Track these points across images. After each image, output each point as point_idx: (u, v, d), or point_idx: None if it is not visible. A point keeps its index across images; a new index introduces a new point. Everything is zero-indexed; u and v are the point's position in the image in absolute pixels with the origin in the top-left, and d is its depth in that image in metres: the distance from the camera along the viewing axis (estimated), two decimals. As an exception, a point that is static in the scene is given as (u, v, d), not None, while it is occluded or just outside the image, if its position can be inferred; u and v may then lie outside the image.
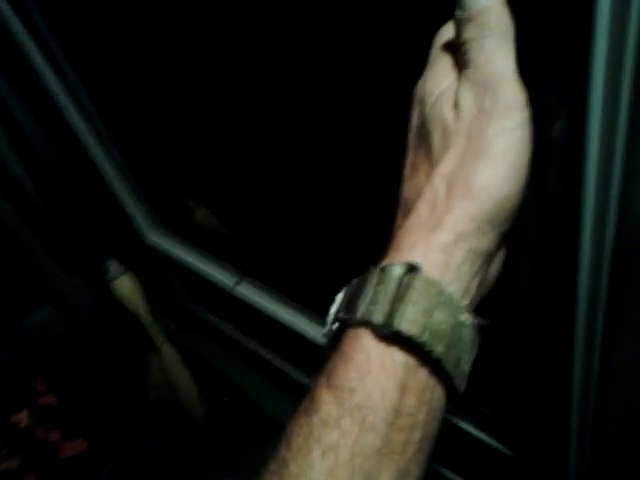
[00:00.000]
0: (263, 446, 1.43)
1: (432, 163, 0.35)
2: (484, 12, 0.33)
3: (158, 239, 1.37)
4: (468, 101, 0.34)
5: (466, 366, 0.33)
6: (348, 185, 0.99)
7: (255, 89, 0.92)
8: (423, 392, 0.32)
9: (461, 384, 0.33)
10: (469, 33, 0.34)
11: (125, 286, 1.39)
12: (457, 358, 0.32)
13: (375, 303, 0.32)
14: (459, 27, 0.35)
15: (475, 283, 0.34)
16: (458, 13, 0.34)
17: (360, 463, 0.30)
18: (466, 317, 0.32)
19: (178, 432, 1.51)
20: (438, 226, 0.33)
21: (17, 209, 1.41)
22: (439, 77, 0.37)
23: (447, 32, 0.38)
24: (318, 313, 1.18)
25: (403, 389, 0.31)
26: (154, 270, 1.42)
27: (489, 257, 0.34)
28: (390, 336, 0.31)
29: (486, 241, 0.33)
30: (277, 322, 1.22)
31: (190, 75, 1.00)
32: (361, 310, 0.33)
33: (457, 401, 0.34)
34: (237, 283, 1.22)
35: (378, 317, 0.32)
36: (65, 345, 1.65)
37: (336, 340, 0.34)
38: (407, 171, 0.38)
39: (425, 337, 0.31)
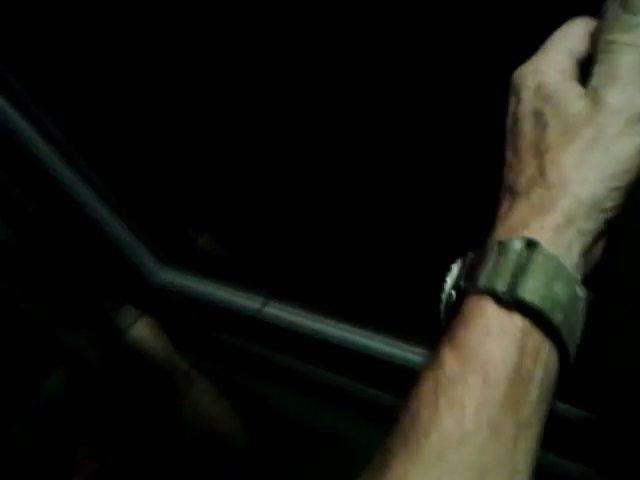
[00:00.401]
0: (312, 459, 1.40)
1: (544, 149, 0.38)
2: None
3: (168, 276, 1.32)
4: (610, 98, 0.36)
5: (578, 335, 0.36)
6: (358, 185, 0.96)
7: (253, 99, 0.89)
8: (540, 354, 0.35)
9: (574, 352, 0.36)
10: (628, 37, 0.36)
11: (144, 331, 1.34)
12: (572, 327, 0.36)
13: (497, 273, 0.36)
14: (615, 27, 0.37)
15: (582, 261, 0.37)
16: (623, 16, 0.36)
17: (485, 413, 0.33)
18: (581, 290, 0.36)
19: (223, 464, 1.48)
20: (551, 209, 0.36)
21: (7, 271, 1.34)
22: (557, 65, 0.39)
23: (574, 30, 0.40)
24: (352, 318, 1.15)
25: (522, 349, 0.34)
26: (170, 308, 1.37)
27: (595, 238, 0.37)
28: (511, 303, 0.35)
29: (593, 224, 0.37)
30: (311, 335, 1.19)
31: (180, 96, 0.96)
32: (483, 279, 0.36)
33: (568, 369, 0.37)
34: (264, 305, 1.18)
35: (501, 286, 0.35)
36: (86, 403, 1.59)
37: (455, 306, 0.38)
38: (510, 156, 0.40)
39: (546, 306, 0.34)
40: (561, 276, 0.35)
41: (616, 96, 0.36)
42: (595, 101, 0.37)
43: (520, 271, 0.35)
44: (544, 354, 0.35)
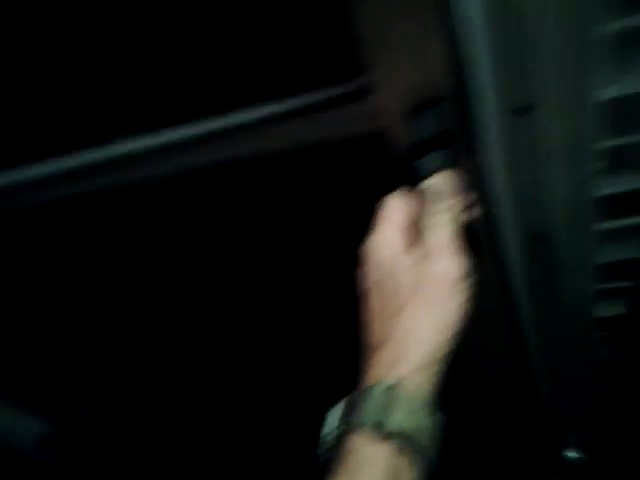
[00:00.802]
0: None
1: (390, 314, 0.48)
2: (451, 211, 0.48)
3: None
4: (432, 269, 0.47)
5: (437, 448, 0.46)
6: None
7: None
8: (410, 471, 0.44)
9: (434, 461, 0.46)
10: (435, 221, 0.48)
11: None
12: (432, 447, 0.46)
13: (369, 413, 0.44)
14: (427, 212, 0.48)
15: (433, 394, 0.48)
16: (431, 208, 0.48)
17: None
18: (435, 418, 0.46)
19: None
20: (404, 361, 0.46)
21: None
22: (390, 241, 0.50)
23: (396, 205, 0.51)
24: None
25: (395, 471, 0.43)
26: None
27: (440, 375, 0.48)
28: (382, 436, 0.44)
29: (437, 367, 0.48)
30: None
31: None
32: (358, 419, 0.45)
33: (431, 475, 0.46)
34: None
35: (373, 423, 0.44)
36: None
37: (337, 445, 0.46)
38: (369, 316, 0.50)
39: (410, 434, 0.44)
40: (418, 409, 0.45)
41: (437, 267, 0.47)
42: (423, 271, 0.47)
43: (386, 409, 0.44)
44: (413, 471, 0.44)
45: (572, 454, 0.92)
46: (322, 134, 0.55)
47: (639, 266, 0.65)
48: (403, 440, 0.44)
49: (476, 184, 0.53)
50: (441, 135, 0.49)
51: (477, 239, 0.55)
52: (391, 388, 0.45)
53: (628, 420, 0.86)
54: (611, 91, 0.49)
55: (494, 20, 0.45)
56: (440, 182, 0.48)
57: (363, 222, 0.52)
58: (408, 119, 0.49)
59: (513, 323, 0.72)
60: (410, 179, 0.50)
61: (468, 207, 0.52)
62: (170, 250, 0.81)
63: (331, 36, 0.52)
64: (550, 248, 0.61)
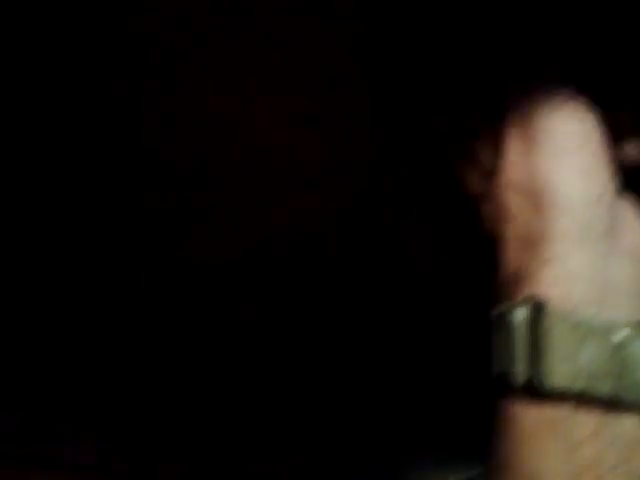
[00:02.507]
0: None
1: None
2: None
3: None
4: None
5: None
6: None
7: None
8: (598, 438, 0.26)
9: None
10: None
11: None
12: (631, 385, 0.27)
13: (510, 362, 0.28)
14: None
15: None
16: None
17: None
18: (622, 335, 0.27)
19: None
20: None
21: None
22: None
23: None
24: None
25: (566, 443, 0.26)
26: None
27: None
28: (541, 395, 0.27)
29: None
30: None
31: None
32: (496, 370, 0.29)
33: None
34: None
35: (518, 380, 0.27)
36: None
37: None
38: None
39: (582, 384, 0.27)
40: (587, 334, 0.27)
41: None
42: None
43: (535, 348, 0.27)
44: (607, 437, 0.27)
45: None
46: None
47: None
48: (576, 396, 0.26)
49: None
50: None
51: None
52: (537, 308, 0.27)
53: None
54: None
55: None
56: None
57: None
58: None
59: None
60: None
61: None
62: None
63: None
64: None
